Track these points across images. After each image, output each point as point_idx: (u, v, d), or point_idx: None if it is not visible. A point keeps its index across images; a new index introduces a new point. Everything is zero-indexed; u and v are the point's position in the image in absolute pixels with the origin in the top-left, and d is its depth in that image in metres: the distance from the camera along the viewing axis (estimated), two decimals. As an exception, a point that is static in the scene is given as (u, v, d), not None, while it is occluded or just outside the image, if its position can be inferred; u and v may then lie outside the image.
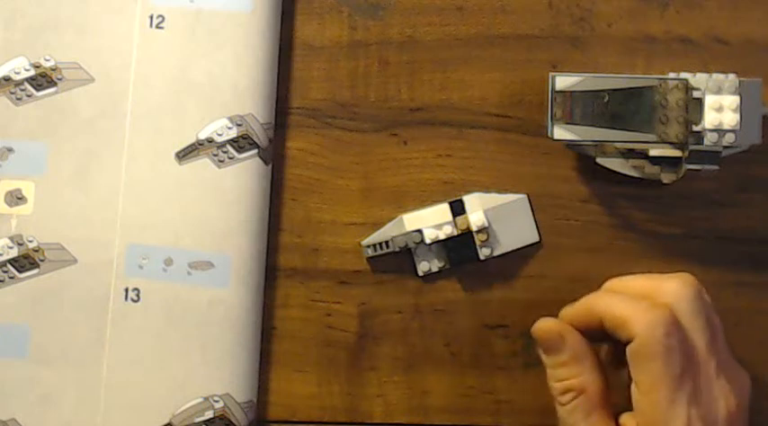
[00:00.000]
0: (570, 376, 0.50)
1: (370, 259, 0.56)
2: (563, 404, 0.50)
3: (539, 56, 0.56)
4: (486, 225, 0.55)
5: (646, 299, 0.49)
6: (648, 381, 0.47)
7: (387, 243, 0.55)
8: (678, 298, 0.49)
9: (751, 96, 0.51)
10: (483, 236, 0.55)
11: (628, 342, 0.48)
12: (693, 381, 0.47)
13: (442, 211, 0.55)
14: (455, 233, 0.55)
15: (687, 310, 0.48)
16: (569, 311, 0.52)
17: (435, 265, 0.56)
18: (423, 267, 0.56)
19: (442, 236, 0.55)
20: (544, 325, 0.52)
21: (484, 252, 0.55)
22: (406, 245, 0.55)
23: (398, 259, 0.56)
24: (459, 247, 0.55)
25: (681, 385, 0.47)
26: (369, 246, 0.55)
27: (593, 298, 0.51)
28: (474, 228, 0.55)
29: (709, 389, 0.48)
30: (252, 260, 0.55)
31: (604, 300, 0.50)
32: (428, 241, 0.55)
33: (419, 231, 0.55)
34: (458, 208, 0.55)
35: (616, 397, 0.50)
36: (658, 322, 0.47)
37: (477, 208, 0.55)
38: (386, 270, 0.56)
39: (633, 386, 0.48)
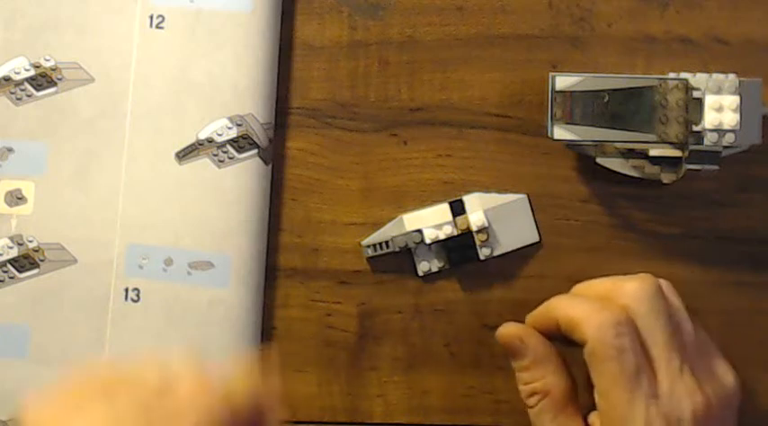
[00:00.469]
0: (533, 379, 0.51)
1: (370, 259, 0.56)
2: (530, 407, 0.51)
3: (539, 56, 0.56)
4: (486, 225, 0.55)
5: (602, 301, 0.49)
6: (604, 382, 0.48)
7: (387, 243, 0.55)
8: (635, 298, 0.49)
9: (751, 96, 0.51)
10: (483, 236, 0.55)
11: (584, 345, 0.48)
12: (651, 380, 0.48)
13: (442, 211, 0.55)
14: (455, 233, 0.55)
15: (644, 310, 0.49)
16: (532, 314, 0.53)
17: (435, 265, 0.56)
18: (423, 267, 0.56)
19: (442, 236, 0.55)
20: (505, 331, 0.52)
21: (484, 253, 0.55)
22: (406, 245, 0.55)
23: (398, 259, 0.56)
24: (460, 247, 0.55)
25: (637, 384, 0.47)
26: (369, 246, 0.55)
27: (552, 301, 0.52)
28: (474, 228, 0.55)
29: (672, 387, 0.48)
30: (252, 260, 0.55)
31: (561, 303, 0.51)
32: (428, 241, 0.55)
33: (419, 231, 0.55)
34: (458, 208, 0.55)
35: (586, 397, 0.50)
36: (608, 323, 0.48)
37: (477, 208, 0.55)
38: (386, 270, 0.56)
39: (594, 388, 0.49)
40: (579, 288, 0.52)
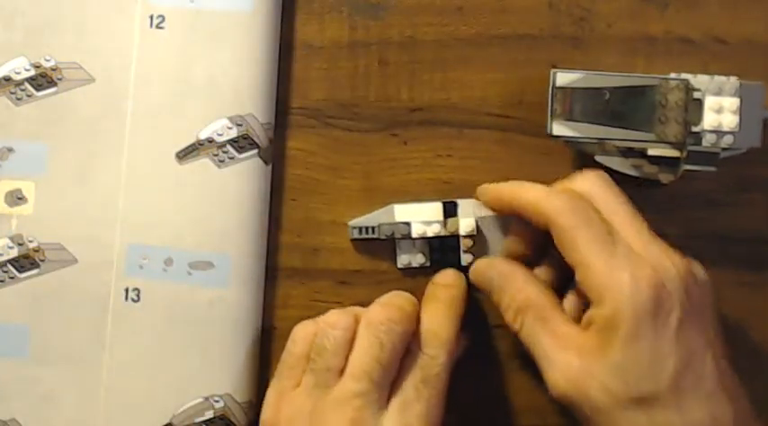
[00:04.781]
0: (510, 301, 0.51)
1: (353, 240, 0.56)
2: (519, 331, 0.50)
3: (539, 56, 0.56)
4: (475, 232, 0.55)
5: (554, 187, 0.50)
6: (580, 252, 0.47)
7: (373, 228, 0.55)
8: (591, 182, 0.50)
9: (751, 99, 0.51)
10: (469, 243, 0.55)
11: (545, 227, 0.49)
12: (626, 243, 0.47)
13: (434, 209, 0.55)
14: (442, 233, 0.55)
15: (602, 189, 0.49)
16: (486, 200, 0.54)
17: (416, 260, 0.56)
18: (403, 260, 0.56)
19: (429, 233, 0.55)
20: (473, 271, 0.53)
21: (466, 259, 0.55)
22: (393, 235, 0.55)
23: (382, 246, 0.56)
24: (443, 248, 0.55)
25: (613, 244, 0.47)
26: (355, 228, 0.55)
27: (504, 190, 0.53)
28: (462, 233, 0.55)
29: (648, 248, 0.47)
30: (252, 260, 0.55)
31: (514, 189, 0.52)
32: (415, 235, 0.55)
33: (407, 224, 0.55)
34: (450, 210, 0.55)
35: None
36: (568, 197, 0.49)
37: (470, 215, 0.55)
38: (386, 270, 0.56)
39: (574, 268, 0.48)
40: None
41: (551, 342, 0.48)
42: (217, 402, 0.54)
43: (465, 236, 0.55)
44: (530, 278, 0.51)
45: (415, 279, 0.56)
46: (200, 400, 0.54)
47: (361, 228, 0.55)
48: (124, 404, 0.54)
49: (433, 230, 0.55)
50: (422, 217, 0.55)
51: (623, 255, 0.47)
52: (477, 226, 0.55)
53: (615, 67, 0.56)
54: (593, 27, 0.57)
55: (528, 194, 0.50)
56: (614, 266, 0.46)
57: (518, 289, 0.50)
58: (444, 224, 0.55)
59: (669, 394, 0.45)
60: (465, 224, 0.55)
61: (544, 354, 0.49)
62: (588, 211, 0.48)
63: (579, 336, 0.48)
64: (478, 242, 0.55)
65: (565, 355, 0.48)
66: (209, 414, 0.54)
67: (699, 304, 0.47)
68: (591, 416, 0.47)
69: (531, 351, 0.50)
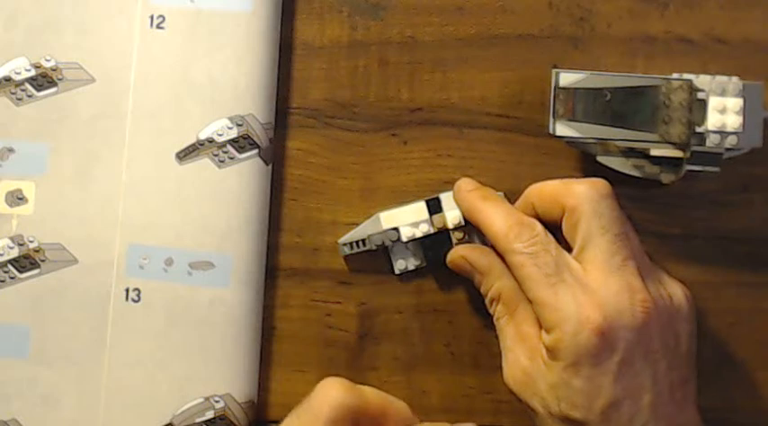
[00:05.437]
0: (486, 289, 0.53)
1: (346, 257, 0.56)
2: (494, 316, 0.53)
3: (539, 56, 0.56)
4: (463, 223, 0.55)
5: (520, 215, 0.51)
6: (529, 288, 0.49)
7: (363, 241, 0.55)
8: (582, 199, 0.50)
9: (753, 99, 0.51)
10: (459, 234, 0.55)
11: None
12: (580, 274, 0.48)
13: (418, 209, 0.55)
14: (432, 231, 0.55)
15: (589, 209, 0.49)
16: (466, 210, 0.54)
17: (412, 263, 0.55)
18: (399, 265, 0.55)
19: (418, 234, 0.55)
20: (450, 257, 0.54)
21: None
22: (383, 243, 0.55)
23: (376, 257, 0.56)
24: (436, 245, 0.55)
25: (559, 278, 0.48)
26: (345, 244, 0.55)
27: (478, 205, 0.53)
28: (450, 226, 0.55)
29: (608, 281, 0.48)
30: (252, 260, 0.55)
31: (485, 211, 0.52)
32: (405, 239, 0.55)
33: (396, 229, 0.55)
34: (434, 206, 0.55)
35: None
36: (522, 237, 0.50)
37: (454, 207, 0.55)
38: (363, 268, 0.56)
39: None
40: (532, 189, 0.53)
41: (514, 336, 0.51)
42: (217, 402, 0.54)
43: (454, 229, 0.55)
44: (505, 272, 0.52)
45: (415, 282, 0.56)
46: (201, 400, 0.54)
47: (351, 244, 0.55)
48: (124, 404, 0.54)
49: (422, 230, 0.55)
50: (408, 220, 0.55)
51: (570, 293, 0.48)
52: (464, 216, 0.55)
53: (615, 67, 0.56)
54: (594, 27, 0.57)
55: (491, 226, 0.51)
56: (560, 304, 0.48)
57: (494, 279, 0.52)
58: (431, 221, 0.55)
59: (599, 424, 0.47)
60: (451, 217, 0.55)
61: (505, 345, 0.52)
62: (536, 248, 0.49)
63: (535, 340, 0.50)
64: (468, 231, 0.55)
65: (520, 353, 0.50)
66: (209, 414, 0.54)
67: (658, 337, 0.48)
68: (531, 414, 0.50)
69: (499, 338, 0.52)
